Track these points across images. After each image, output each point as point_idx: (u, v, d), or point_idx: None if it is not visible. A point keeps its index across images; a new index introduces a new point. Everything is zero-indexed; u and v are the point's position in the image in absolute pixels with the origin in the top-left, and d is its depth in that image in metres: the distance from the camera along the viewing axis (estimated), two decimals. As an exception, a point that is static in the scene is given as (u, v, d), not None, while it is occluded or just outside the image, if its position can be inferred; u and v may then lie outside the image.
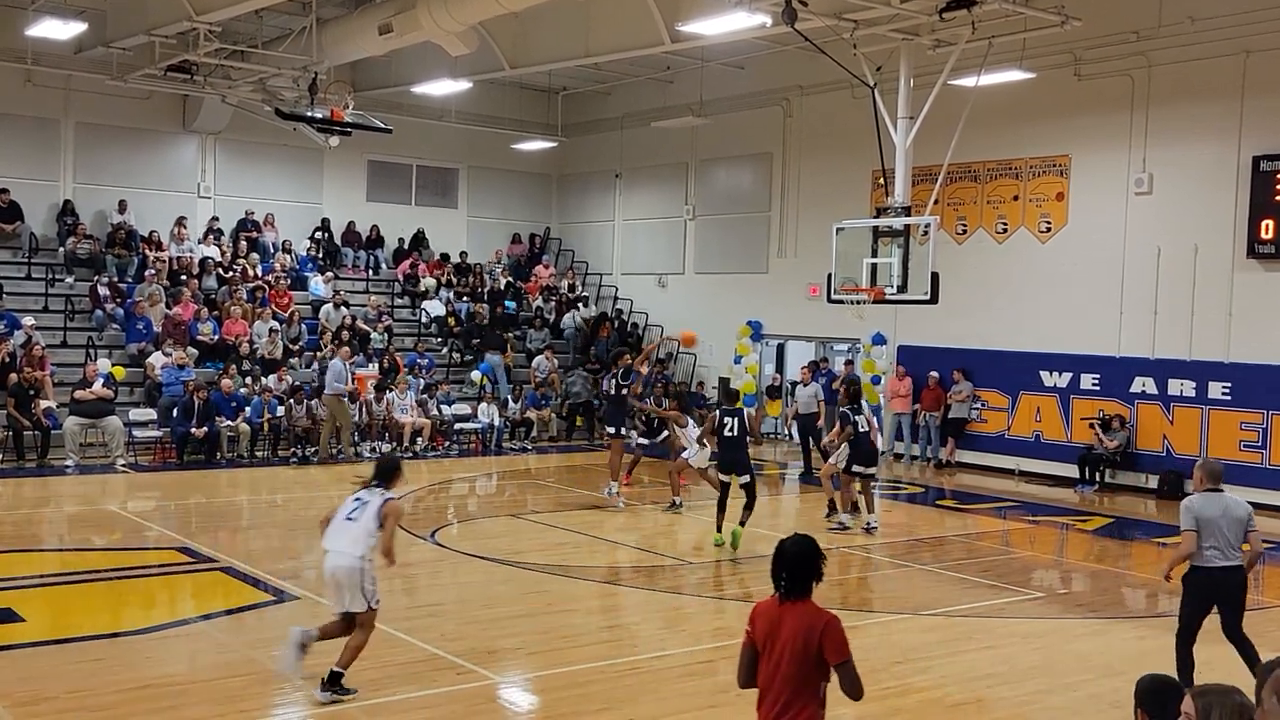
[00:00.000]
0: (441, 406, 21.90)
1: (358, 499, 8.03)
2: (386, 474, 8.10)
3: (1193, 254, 17.65)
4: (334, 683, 7.66)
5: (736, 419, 13.11)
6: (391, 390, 21.04)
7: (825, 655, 5.08)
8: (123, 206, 23.65)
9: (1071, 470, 18.92)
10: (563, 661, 8.74)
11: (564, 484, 18.16)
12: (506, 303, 26.75)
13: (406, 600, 11.00)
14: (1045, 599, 11.58)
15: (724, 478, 13.37)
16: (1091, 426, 18.64)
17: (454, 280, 26.66)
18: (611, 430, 16.24)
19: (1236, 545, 7.97)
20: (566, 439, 23.23)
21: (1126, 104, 18.46)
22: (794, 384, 22.70)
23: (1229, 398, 17.34)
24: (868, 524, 14.45)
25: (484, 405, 22.24)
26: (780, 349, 25.21)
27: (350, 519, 7.95)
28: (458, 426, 21.77)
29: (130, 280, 22.55)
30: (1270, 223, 16.74)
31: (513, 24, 19.52)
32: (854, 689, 5.07)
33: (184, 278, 22.87)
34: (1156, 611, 11.13)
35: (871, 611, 10.87)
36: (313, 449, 19.75)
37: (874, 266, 15.17)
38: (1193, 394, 17.80)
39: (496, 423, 22.03)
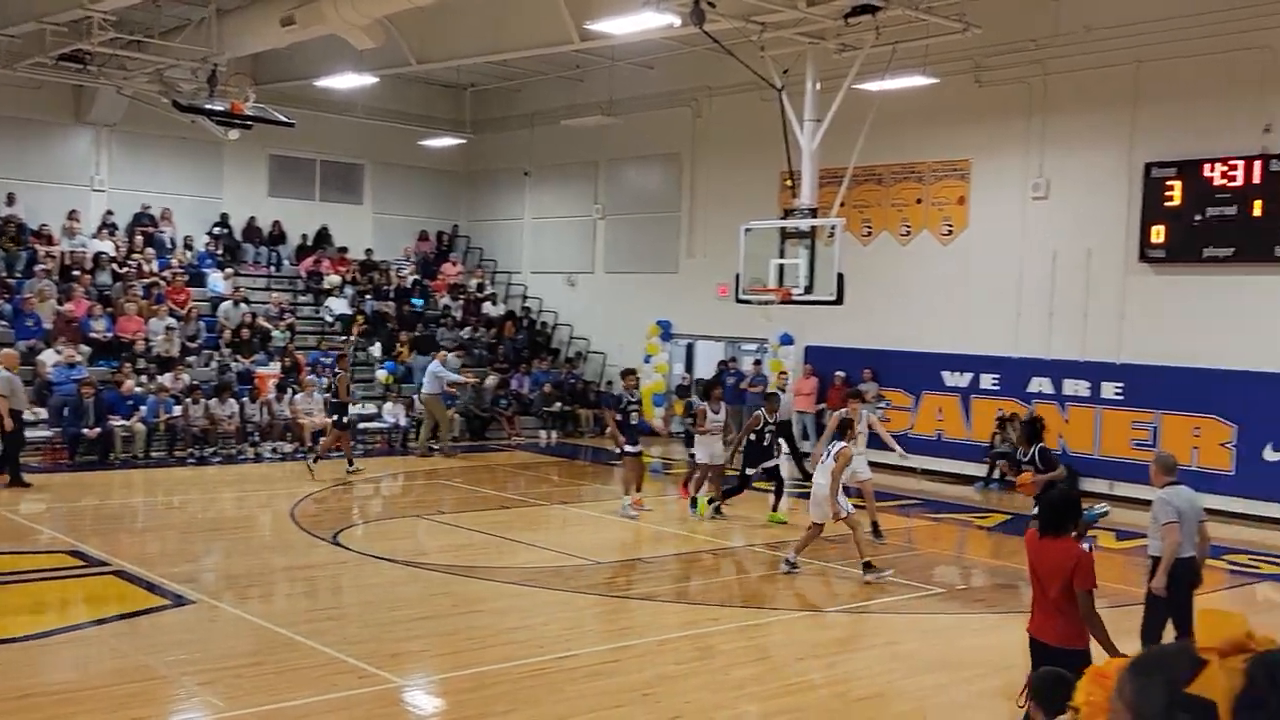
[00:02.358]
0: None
1: None
2: None
3: (1087, 258, 18.14)
4: None
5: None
6: (298, 391, 20.68)
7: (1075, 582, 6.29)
8: (11, 199, 22.86)
9: (971, 468, 19.30)
10: (468, 663, 8.66)
11: (471, 484, 18.00)
12: (413, 300, 26.46)
13: (307, 603, 10.82)
14: (946, 595, 11.79)
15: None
16: (1001, 424, 19.00)
17: (359, 278, 26.28)
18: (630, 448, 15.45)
19: (1195, 536, 8.36)
20: (474, 439, 23.02)
21: (1025, 110, 18.90)
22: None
23: (1121, 397, 17.85)
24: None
25: (389, 405, 21.96)
26: (689, 349, 25.32)
27: None
28: (362, 426, 21.45)
29: (19, 275, 21.80)
30: (1160, 228, 17.27)
31: (420, 18, 19.28)
32: (1087, 610, 6.33)
33: (76, 273, 22.19)
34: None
35: (776, 609, 10.96)
36: (211, 449, 19.38)
37: (781, 267, 15.31)
38: (1087, 394, 18.29)
39: (402, 422, 21.77)
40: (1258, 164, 16.24)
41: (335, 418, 18.30)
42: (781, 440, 15.13)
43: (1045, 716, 4.52)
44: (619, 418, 15.49)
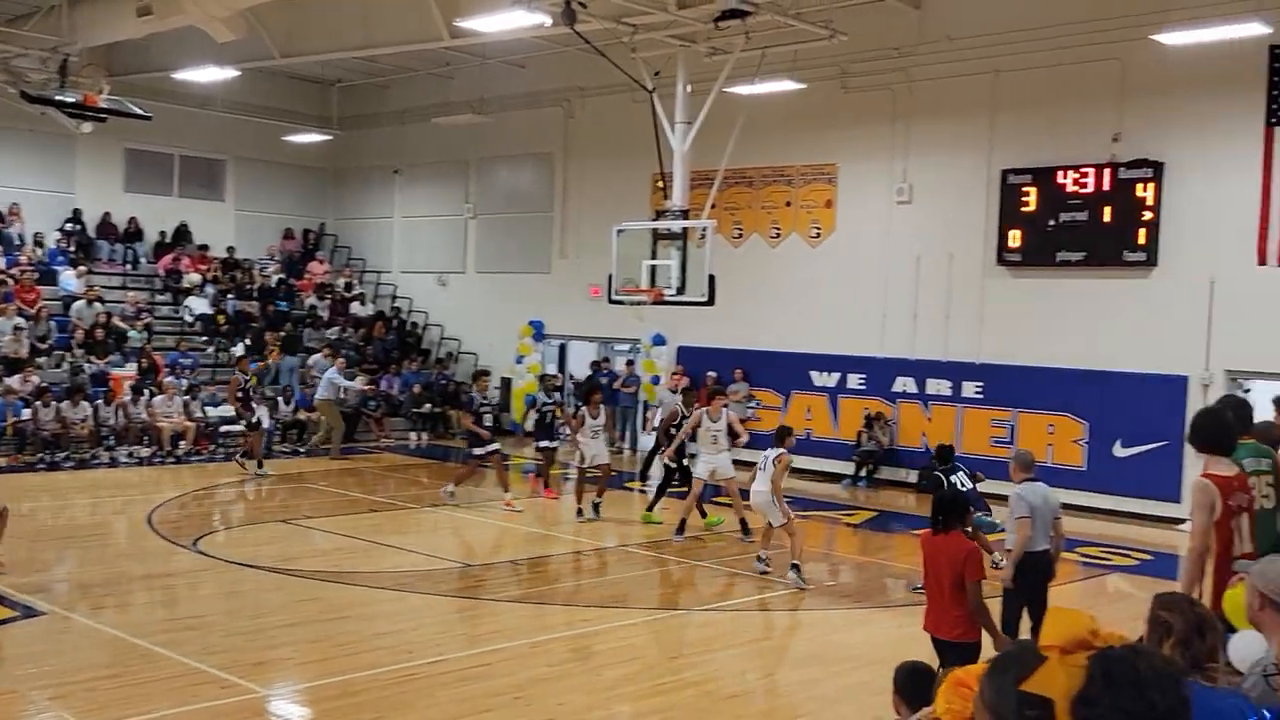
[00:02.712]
0: (206, 409, 20.92)
1: None
2: None
3: (949, 261, 18.67)
4: None
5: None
6: (156, 393, 19.97)
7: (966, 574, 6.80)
8: None
9: (839, 466, 19.70)
10: (335, 671, 8.47)
11: (339, 488, 17.64)
12: (278, 301, 25.82)
13: (165, 613, 10.45)
14: (814, 591, 11.98)
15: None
16: (868, 423, 19.41)
17: (220, 277, 25.52)
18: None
19: (1049, 530, 8.61)
20: (342, 441, 22.51)
21: (889, 117, 19.37)
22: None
23: (981, 396, 18.43)
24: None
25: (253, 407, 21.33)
26: (562, 349, 25.26)
27: None
28: (224, 429, 20.83)
29: None
30: (1017, 232, 17.88)
31: (285, 11, 18.82)
32: (977, 601, 6.84)
33: (-84, 270, 21.06)
34: (916, 600, 11.68)
35: (649, 608, 11.00)
36: (63, 453, 18.60)
37: (653, 268, 15.37)
38: (948, 393, 18.84)
39: (266, 425, 21.19)
40: (1107, 172, 16.95)
41: (247, 420, 18.33)
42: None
43: (909, 710, 4.61)
44: (473, 420, 15.97)
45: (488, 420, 16.07)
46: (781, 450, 12.12)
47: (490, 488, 16.78)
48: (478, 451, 15.94)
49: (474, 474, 16.52)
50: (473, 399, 16.47)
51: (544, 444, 16.73)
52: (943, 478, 13.64)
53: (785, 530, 11.99)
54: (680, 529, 14.03)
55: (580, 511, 15.22)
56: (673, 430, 15.25)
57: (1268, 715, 2.87)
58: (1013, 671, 1.87)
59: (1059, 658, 1.85)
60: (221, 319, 24.22)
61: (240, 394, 18.33)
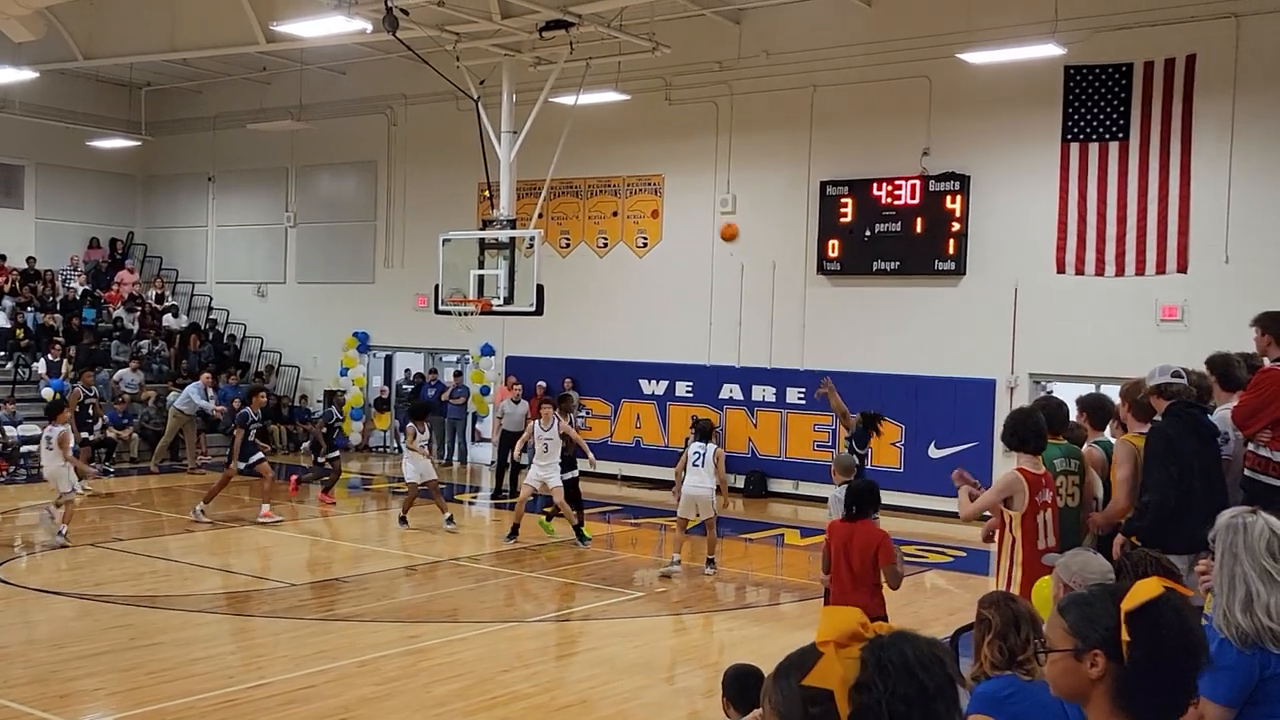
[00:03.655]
0: (6, 427, 19.73)
1: None
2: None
3: (771, 270, 19.12)
4: None
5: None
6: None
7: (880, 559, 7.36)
8: None
9: (668, 473, 19.87)
10: (149, 699, 8.08)
11: (153, 507, 16.88)
12: (84, 312, 24.56)
13: (-39, 647, 9.79)
14: (645, 598, 12.08)
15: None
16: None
17: (19, 288, 24.13)
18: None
19: None
20: (163, 459, 21.53)
21: (712, 129, 19.72)
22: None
23: (804, 402, 18.90)
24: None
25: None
26: (388, 360, 24.80)
27: None
28: (25, 449, 19.67)
29: None
30: (836, 242, 18.44)
31: (88, 11, 17.98)
32: (896, 581, 7.53)
33: None
34: (744, 604, 11.92)
35: (479, 621, 10.88)
36: None
37: (481, 278, 15.26)
38: (773, 399, 19.27)
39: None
40: (918, 184, 17.66)
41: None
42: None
43: (738, 712, 4.67)
44: (242, 434, 16.01)
45: (253, 435, 16.21)
46: (716, 446, 13.02)
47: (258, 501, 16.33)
48: (241, 466, 15.95)
49: (225, 487, 16.17)
50: (246, 414, 16.23)
51: (331, 455, 17.62)
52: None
53: (708, 523, 12.79)
54: (512, 533, 14.38)
55: (404, 519, 15.37)
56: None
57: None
58: (795, 673, 1.96)
59: (834, 651, 1.95)
60: (21, 333, 22.90)
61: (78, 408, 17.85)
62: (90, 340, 23.60)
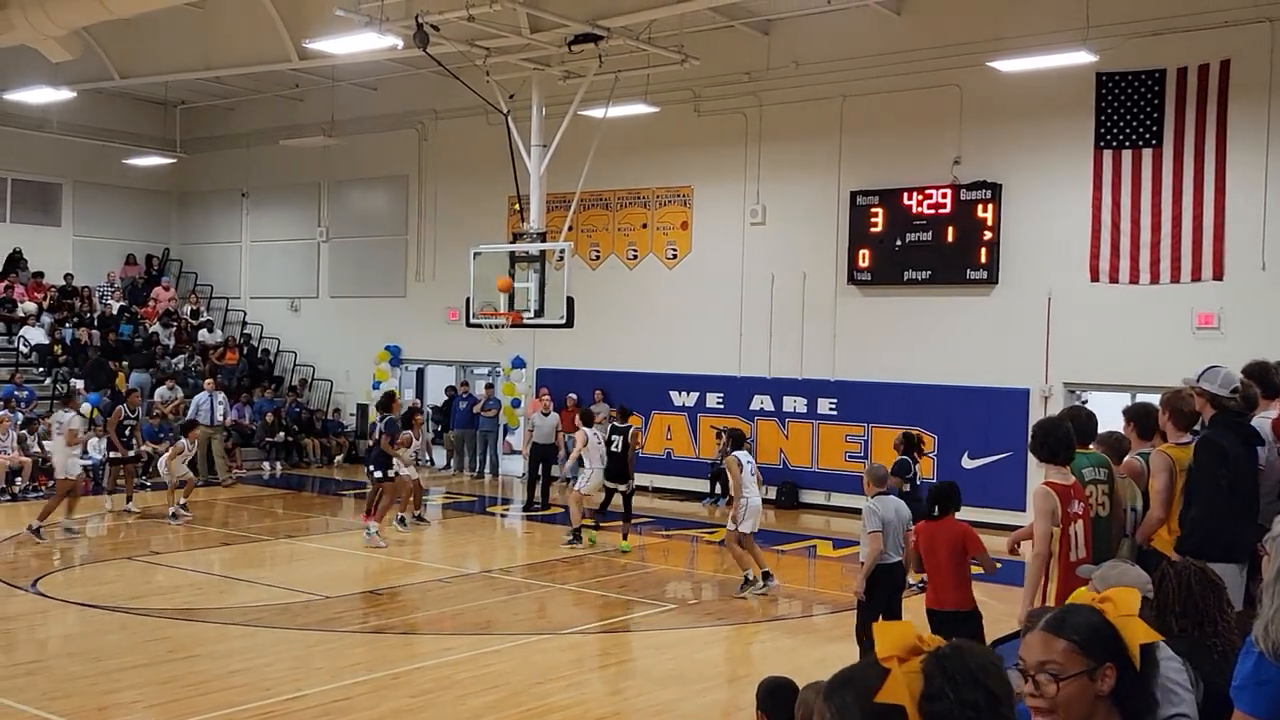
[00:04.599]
0: (44, 443, 19.95)
1: None
2: None
3: (802, 280, 19.08)
4: None
5: (622, 436, 14.76)
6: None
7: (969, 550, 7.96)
8: None
9: (700, 485, 19.89)
10: (184, 712, 8.15)
11: (188, 522, 17.01)
12: (121, 328, 24.84)
13: (3, 658, 9.90)
14: (677, 610, 12.06)
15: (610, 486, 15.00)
16: (718, 436, 19.61)
17: (58, 304, 24.44)
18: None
19: (900, 543, 8.86)
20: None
21: (741, 140, 19.72)
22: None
23: (835, 412, 18.86)
24: None
25: (94, 440, 20.46)
26: (420, 373, 24.93)
27: None
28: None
29: None
30: (866, 252, 18.39)
31: (123, 31, 18.22)
32: (992, 567, 8.23)
33: None
34: (776, 615, 11.88)
35: (512, 634, 10.90)
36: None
37: (512, 291, 15.32)
38: (804, 410, 19.22)
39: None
40: (949, 193, 17.59)
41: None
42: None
43: (772, 723, 4.66)
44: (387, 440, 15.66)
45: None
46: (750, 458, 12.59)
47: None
48: (378, 474, 15.40)
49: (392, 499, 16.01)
50: (393, 422, 16.21)
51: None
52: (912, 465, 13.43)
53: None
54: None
55: (403, 521, 15.92)
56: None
57: None
58: (854, 688, 2.01)
59: (899, 666, 2.00)
60: (59, 349, 23.18)
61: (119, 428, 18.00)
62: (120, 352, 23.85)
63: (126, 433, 18.00)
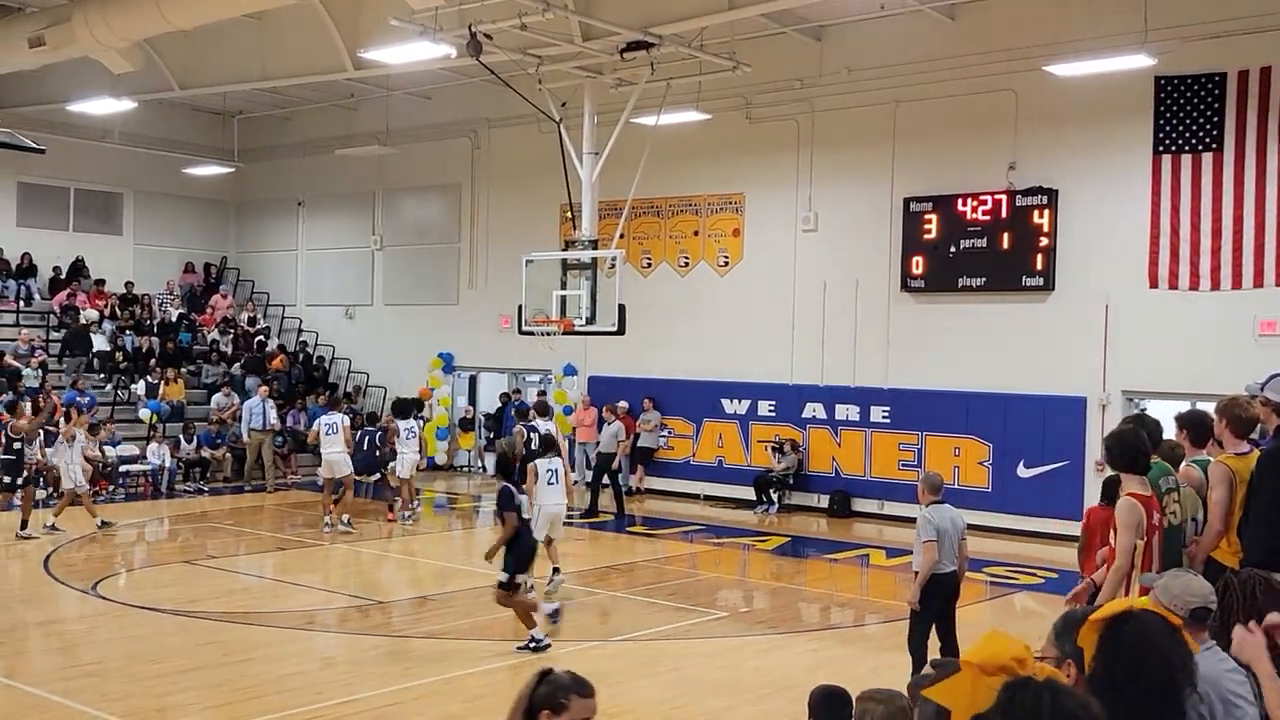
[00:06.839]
0: (105, 448, 20.31)
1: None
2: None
3: (854, 287, 18.95)
4: None
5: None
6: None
7: None
8: None
9: (751, 493, 19.80)
10: (239, 715, 8.24)
11: (244, 526, 17.23)
12: (180, 335, 25.23)
13: (63, 660, 10.08)
14: (729, 618, 12.01)
15: None
16: (769, 450, 19.58)
17: (119, 312, 24.88)
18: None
19: (955, 552, 8.77)
20: (242, 478, 21.99)
21: (793, 146, 19.64)
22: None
23: (888, 420, 18.69)
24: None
25: (154, 445, 20.82)
26: (472, 381, 25.07)
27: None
28: (124, 469, 20.25)
29: None
30: (920, 259, 18.24)
31: (183, 42, 18.51)
32: None
33: None
34: (829, 624, 11.79)
35: (562, 640, 10.90)
36: None
37: (563, 298, 15.37)
38: (857, 418, 19.07)
39: (168, 463, 20.67)
40: (1004, 199, 17.39)
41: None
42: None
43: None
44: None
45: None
46: None
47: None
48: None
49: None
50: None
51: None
52: None
53: None
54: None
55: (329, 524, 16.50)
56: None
57: None
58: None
59: (975, 674, 1.87)
60: (120, 356, 23.58)
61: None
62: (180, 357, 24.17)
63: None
